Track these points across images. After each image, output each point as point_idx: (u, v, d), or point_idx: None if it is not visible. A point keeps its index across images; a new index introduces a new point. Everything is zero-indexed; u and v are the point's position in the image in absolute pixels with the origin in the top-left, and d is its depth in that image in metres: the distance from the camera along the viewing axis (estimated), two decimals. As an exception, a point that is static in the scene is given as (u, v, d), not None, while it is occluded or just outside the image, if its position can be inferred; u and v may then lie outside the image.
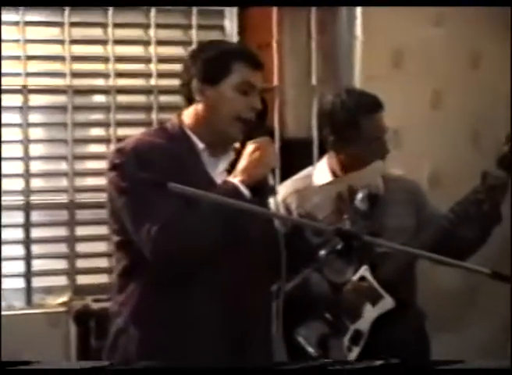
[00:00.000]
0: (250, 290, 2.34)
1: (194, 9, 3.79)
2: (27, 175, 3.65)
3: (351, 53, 3.96)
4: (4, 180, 3.58)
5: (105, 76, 3.75)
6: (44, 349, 3.38)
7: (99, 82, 3.77)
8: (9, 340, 3.32)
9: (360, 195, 2.91)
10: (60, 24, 3.68)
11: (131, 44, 3.80)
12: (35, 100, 3.67)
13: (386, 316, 2.82)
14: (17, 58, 3.62)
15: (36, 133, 3.69)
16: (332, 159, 2.97)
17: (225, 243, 2.26)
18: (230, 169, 2.38)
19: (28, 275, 3.66)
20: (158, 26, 3.78)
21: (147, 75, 3.81)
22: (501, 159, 2.75)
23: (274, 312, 2.43)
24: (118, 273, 2.39)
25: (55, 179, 3.72)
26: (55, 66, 3.70)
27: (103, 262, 3.72)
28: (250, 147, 2.32)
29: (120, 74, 3.76)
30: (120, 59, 3.76)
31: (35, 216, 3.67)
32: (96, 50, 3.75)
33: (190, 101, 2.40)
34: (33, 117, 3.68)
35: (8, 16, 3.59)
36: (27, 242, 3.66)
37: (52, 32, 3.70)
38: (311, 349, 2.81)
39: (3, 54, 3.57)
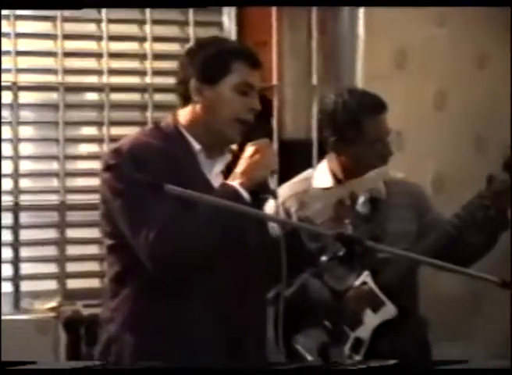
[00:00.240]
0: (247, 295, 2.34)
1: (191, 5, 3.80)
2: (16, 175, 3.64)
3: (353, 52, 3.97)
4: (-8, 180, 3.58)
5: (99, 73, 3.74)
6: (33, 357, 3.35)
7: (92, 79, 3.76)
8: (-4, 347, 3.30)
9: (361, 199, 2.91)
10: (52, 19, 3.66)
11: (126, 40, 3.80)
12: (25, 97, 3.65)
13: (388, 323, 2.82)
14: (7, 53, 3.60)
15: (26, 131, 3.68)
16: (332, 161, 2.97)
17: (223, 247, 2.26)
18: (226, 171, 2.38)
19: (16, 279, 3.64)
20: (154, 22, 3.78)
21: (142, 72, 3.80)
22: (507, 162, 2.75)
23: (272, 319, 2.43)
24: (110, 277, 2.38)
25: (46, 179, 3.71)
26: (47, 62, 3.69)
27: (94, 266, 3.71)
28: (249, 149, 2.33)
29: (114, 71, 3.75)
30: (114, 56, 3.75)
31: (24, 218, 3.65)
32: (89, 46, 3.74)
33: (185, 100, 2.39)
34: (24, 115, 3.66)
35: (-2, 9, 3.58)
36: (16, 244, 3.64)
37: (44, 27, 3.69)
38: (310, 357, 2.80)
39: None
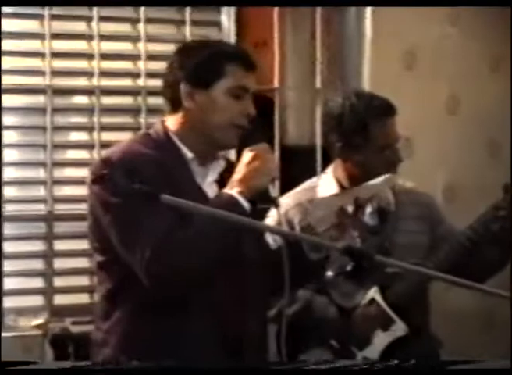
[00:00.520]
0: (247, 311, 2.33)
1: (188, 3, 3.79)
2: (0, 183, 3.60)
3: (359, 54, 3.98)
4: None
5: (89, 74, 3.73)
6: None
7: (82, 81, 3.74)
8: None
9: (369, 210, 2.91)
10: (39, 17, 3.65)
11: (118, 40, 3.78)
12: (10, 100, 3.63)
13: (398, 342, 2.82)
14: (-9, 53, 3.59)
15: (11, 136, 3.65)
16: (338, 169, 2.97)
17: (223, 260, 2.25)
18: (220, 179, 2.38)
19: None
20: (148, 21, 3.77)
21: (135, 74, 3.79)
22: (526, 170, 2.74)
23: (275, 337, 2.41)
24: (101, 296, 2.36)
25: (32, 187, 3.69)
26: (33, 63, 3.67)
27: (84, 281, 3.69)
28: (247, 155, 2.31)
29: (105, 73, 3.74)
30: (106, 57, 3.73)
31: (8, 229, 3.62)
32: (79, 46, 3.72)
33: (175, 105, 2.39)
34: (8, 119, 3.64)
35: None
36: None
37: (30, 25, 3.67)
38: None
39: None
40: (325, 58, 3.97)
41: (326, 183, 2.96)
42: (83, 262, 3.67)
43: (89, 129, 3.73)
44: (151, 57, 3.78)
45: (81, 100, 3.75)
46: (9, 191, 3.64)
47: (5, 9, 3.59)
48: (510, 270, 3.01)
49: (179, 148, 2.36)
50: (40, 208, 3.66)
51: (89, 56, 3.72)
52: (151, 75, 3.77)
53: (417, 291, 2.87)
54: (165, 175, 2.28)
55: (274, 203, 2.33)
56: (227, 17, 3.86)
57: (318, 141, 3.83)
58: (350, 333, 2.80)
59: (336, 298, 2.82)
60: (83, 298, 3.65)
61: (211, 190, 2.37)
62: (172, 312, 2.27)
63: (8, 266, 3.62)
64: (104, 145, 3.53)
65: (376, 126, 2.85)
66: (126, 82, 3.80)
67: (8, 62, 3.62)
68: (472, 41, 4.02)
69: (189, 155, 2.36)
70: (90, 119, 3.73)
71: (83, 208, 3.25)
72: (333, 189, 2.94)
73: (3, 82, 3.60)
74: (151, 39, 3.77)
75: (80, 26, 3.72)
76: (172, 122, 2.39)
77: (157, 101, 3.73)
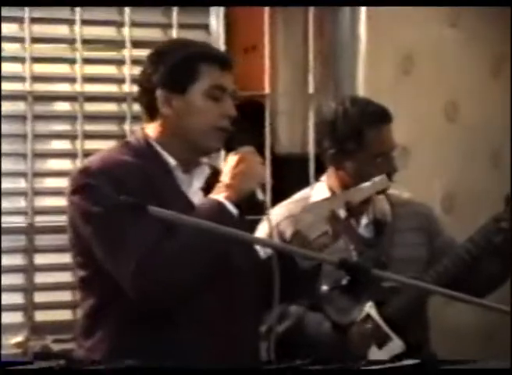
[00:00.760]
0: (238, 323, 2.34)
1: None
2: (-21, 194, 3.60)
3: (354, 57, 3.97)
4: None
5: (71, 80, 3.71)
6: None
7: (64, 87, 3.73)
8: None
9: (364, 222, 2.91)
10: (19, 19, 3.64)
11: (102, 44, 3.76)
12: (-11, 107, 3.63)
13: (395, 360, 2.79)
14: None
15: (-11, 145, 3.65)
16: (331, 177, 2.98)
17: (212, 271, 2.25)
18: (206, 187, 2.39)
19: (-22, 310, 3.61)
20: (134, 24, 3.76)
21: (119, 80, 3.78)
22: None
23: (265, 355, 2.41)
24: (84, 312, 2.36)
25: (11, 198, 3.66)
26: (13, 69, 3.66)
27: (66, 296, 3.66)
28: (232, 159, 2.32)
29: (89, 79, 3.73)
30: (89, 61, 3.72)
31: (-13, 242, 3.61)
32: (61, 50, 3.71)
33: (152, 112, 2.40)
34: (-13, 127, 3.64)
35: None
36: (-23, 272, 3.60)
37: (9, 28, 3.65)
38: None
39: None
40: (317, 63, 3.97)
41: (319, 192, 2.97)
42: (65, 277, 3.64)
43: (72, 137, 3.71)
44: (137, 62, 3.76)
45: (63, 107, 3.73)
46: (-12, 203, 3.65)
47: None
48: (510, 285, 3.02)
49: (161, 155, 2.38)
50: (20, 221, 3.64)
51: (71, 61, 3.70)
52: (136, 81, 3.75)
53: (415, 306, 2.87)
54: (148, 184, 2.29)
55: (263, 206, 2.32)
56: (216, 20, 3.86)
57: (312, 150, 3.83)
58: (346, 350, 2.80)
59: (331, 314, 2.81)
60: (65, 315, 3.63)
61: (196, 197, 2.38)
62: (158, 327, 2.27)
63: (-13, 280, 3.63)
64: (88, 154, 3.49)
65: (371, 134, 2.87)
66: (111, 88, 3.79)
67: (-14, 68, 3.63)
68: (472, 44, 4.03)
69: (172, 162, 2.37)
70: (72, 126, 3.70)
71: (65, 220, 3.24)
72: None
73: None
74: (136, 43, 3.76)
75: (62, 30, 3.71)
76: (152, 129, 2.40)
77: (142, 107, 3.74)
